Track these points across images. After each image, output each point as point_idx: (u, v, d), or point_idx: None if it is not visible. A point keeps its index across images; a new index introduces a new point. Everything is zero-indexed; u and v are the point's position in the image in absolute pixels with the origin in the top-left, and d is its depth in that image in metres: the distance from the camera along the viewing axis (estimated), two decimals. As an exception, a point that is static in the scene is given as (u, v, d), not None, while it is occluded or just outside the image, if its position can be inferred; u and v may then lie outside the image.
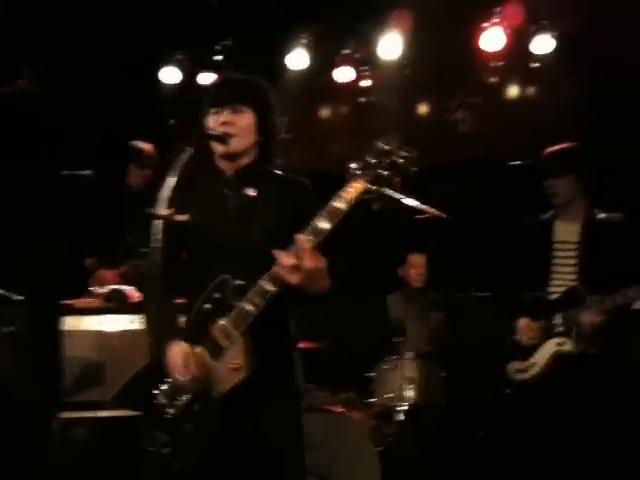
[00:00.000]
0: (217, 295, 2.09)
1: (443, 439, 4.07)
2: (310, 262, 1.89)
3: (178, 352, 2.07)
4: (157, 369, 2.10)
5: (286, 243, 1.94)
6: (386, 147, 1.86)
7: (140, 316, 3.61)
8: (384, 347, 4.26)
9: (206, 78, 5.19)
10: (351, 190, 1.88)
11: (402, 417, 3.95)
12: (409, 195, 3.70)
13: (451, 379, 4.21)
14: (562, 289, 3.13)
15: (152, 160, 4.33)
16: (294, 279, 1.91)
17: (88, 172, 4.21)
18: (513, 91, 5.62)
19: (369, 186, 1.86)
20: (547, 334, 3.12)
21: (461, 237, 4.65)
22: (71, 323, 3.55)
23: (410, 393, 4.04)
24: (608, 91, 4.84)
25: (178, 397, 2.07)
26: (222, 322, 2.04)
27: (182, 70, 5.28)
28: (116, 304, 3.64)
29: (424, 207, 3.67)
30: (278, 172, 2.25)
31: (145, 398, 2.10)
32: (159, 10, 4.60)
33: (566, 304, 3.08)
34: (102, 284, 3.84)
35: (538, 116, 5.22)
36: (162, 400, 2.09)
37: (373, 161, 1.87)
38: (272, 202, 2.07)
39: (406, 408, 3.98)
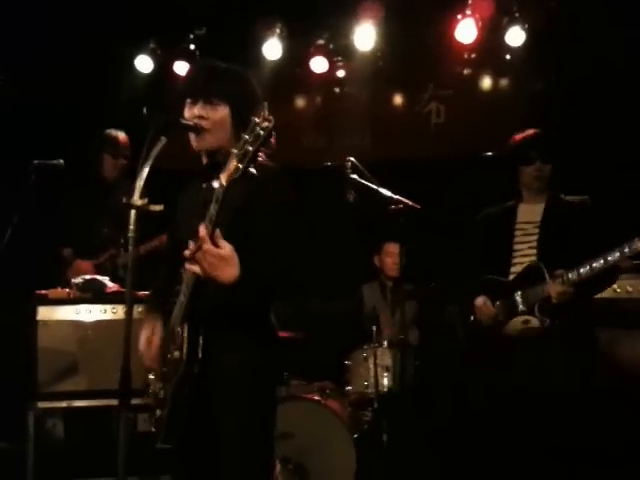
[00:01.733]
0: (179, 288, 2.12)
1: (417, 426, 4.12)
2: (206, 250, 1.89)
3: (145, 331, 2.18)
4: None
5: (245, 234, 2.01)
6: (255, 120, 1.86)
7: (114, 306, 3.60)
8: (359, 336, 4.29)
9: (180, 67, 5.17)
10: (225, 172, 1.91)
11: (377, 405, 3.99)
12: (383, 186, 3.74)
13: (425, 367, 4.26)
14: (529, 263, 3.10)
15: (126, 150, 4.29)
16: (197, 269, 1.93)
17: (60, 161, 4.16)
18: (486, 83, 5.67)
19: (237, 165, 1.87)
20: (509, 313, 3.10)
21: (435, 228, 4.70)
22: (46, 313, 3.53)
23: (385, 381, 4.08)
24: (575, 82, 4.92)
25: (157, 385, 2.15)
26: (174, 313, 2.11)
27: (154, 59, 5.25)
28: (91, 294, 3.62)
29: (397, 197, 3.71)
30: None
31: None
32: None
33: (525, 282, 3.05)
34: (79, 274, 3.82)
35: (510, 108, 5.29)
36: (146, 390, 2.22)
37: (246, 137, 1.87)
38: (234, 192, 1.98)
39: (381, 396, 4.00)
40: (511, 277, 3.14)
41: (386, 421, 3.92)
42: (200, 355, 2.04)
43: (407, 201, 3.70)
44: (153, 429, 2.15)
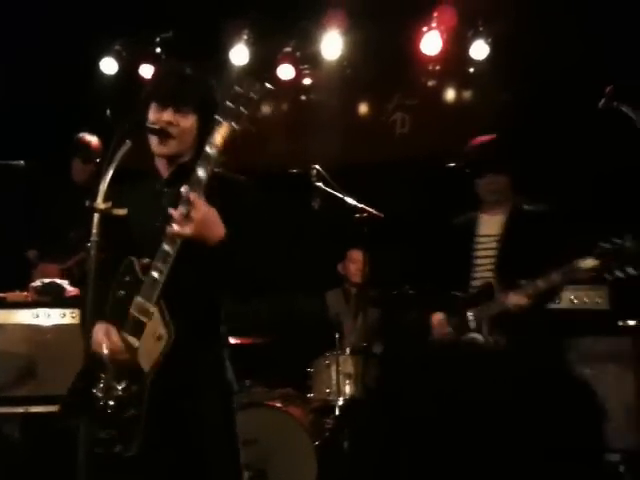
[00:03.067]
0: (127, 278, 2.12)
1: (378, 434, 4.14)
2: (199, 210, 1.97)
3: (99, 330, 2.07)
4: (92, 369, 2.07)
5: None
6: (240, 90, 2.03)
7: (73, 310, 3.55)
8: (322, 343, 4.30)
9: (146, 70, 5.14)
10: (218, 135, 2.02)
11: (339, 412, 4.00)
12: (348, 194, 3.77)
13: (387, 374, 4.28)
14: (481, 282, 3.12)
15: (98, 154, 4.23)
16: (187, 229, 1.97)
17: (20, 162, 4.10)
18: (450, 94, 5.75)
19: (233, 126, 2.02)
20: (461, 330, 3.11)
21: (398, 236, 4.74)
22: (3, 316, 3.46)
23: (347, 388, 4.09)
24: (538, 94, 5.02)
25: (116, 386, 2.06)
26: (137, 300, 2.07)
27: (119, 61, 5.20)
28: (50, 298, 3.57)
29: (362, 206, 3.74)
30: (217, 170, 2.23)
31: (87, 401, 2.07)
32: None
33: (478, 300, 3.07)
34: (44, 278, 3.76)
35: (474, 119, 5.37)
36: (100, 396, 2.07)
37: (232, 106, 2.02)
38: (207, 200, 2.05)
39: (343, 403, 4.02)
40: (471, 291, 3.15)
41: (348, 428, 3.94)
42: (180, 340, 2.02)
43: (371, 210, 3.73)
44: (108, 434, 2.05)
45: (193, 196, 1.97)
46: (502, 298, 2.98)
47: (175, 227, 1.98)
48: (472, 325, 3.08)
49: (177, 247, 2.01)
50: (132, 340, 2.07)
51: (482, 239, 3.18)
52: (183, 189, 1.99)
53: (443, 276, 3.25)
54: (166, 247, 2.02)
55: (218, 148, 2.01)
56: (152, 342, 2.04)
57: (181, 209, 1.98)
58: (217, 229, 2.02)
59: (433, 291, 3.33)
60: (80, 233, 4.02)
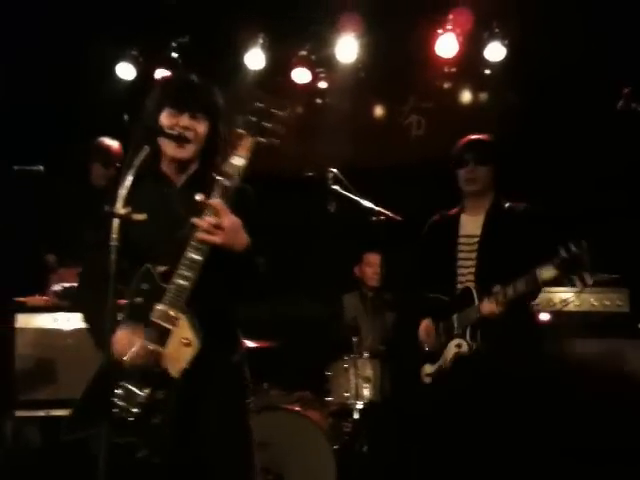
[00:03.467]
0: (145, 286, 2.12)
1: (397, 437, 4.12)
2: (228, 219, 2.04)
3: (122, 335, 2.07)
4: (108, 378, 2.05)
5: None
6: (261, 105, 2.10)
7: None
8: (340, 346, 4.29)
9: (162, 75, 5.15)
10: (244, 147, 2.08)
11: (358, 416, 3.99)
12: (364, 197, 3.77)
13: (402, 378, 4.27)
14: (463, 287, 3.08)
15: (118, 159, 4.24)
16: (217, 238, 2.02)
17: (39, 167, 4.13)
18: (465, 97, 5.74)
19: (258, 139, 2.09)
20: (449, 335, 3.08)
21: (414, 239, 4.73)
22: (24, 321, 3.49)
23: (365, 392, 4.08)
24: (554, 97, 5.00)
25: (138, 393, 2.05)
26: (159, 307, 2.07)
27: (136, 66, 5.23)
28: (70, 302, 3.59)
29: (378, 209, 3.73)
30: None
31: (102, 411, 2.01)
32: (117, 5, 4.55)
33: (461, 304, 3.04)
34: (62, 282, 3.79)
35: (489, 121, 5.34)
36: (121, 404, 2.05)
37: (254, 119, 2.09)
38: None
39: (362, 407, 4.01)
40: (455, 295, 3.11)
41: (366, 432, 3.93)
42: (208, 341, 2.04)
43: (388, 212, 3.73)
44: (128, 441, 2.03)
45: (221, 205, 2.03)
46: (479, 305, 2.96)
47: (205, 235, 2.03)
48: (457, 330, 3.05)
49: (205, 255, 2.04)
50: (155, 347, 2.06)
51: (464, 239, 3.15)
52: (210, 199, 2.04)
53: (430, 279, 3.22)
54: (192, 255, 2.04)
55: (245, 160, 2.07)
56: (180, 348, 2.04)
57: (209, 218, 2.02)
58: (242, 237, 2.09)
59: (416, 299, 3.31)
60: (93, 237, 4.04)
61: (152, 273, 2.12)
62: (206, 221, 2.02)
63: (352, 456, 3.90)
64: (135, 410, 2.04)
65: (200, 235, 2.03)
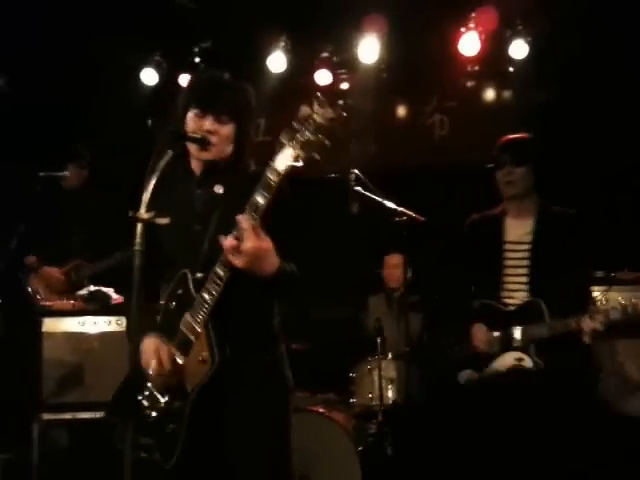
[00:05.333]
0: (180, 291, 2.11)
1: (422, 439, 4.10)
2: (251, 242, 1.87)
3: (149, 345, 2.08)
4: (138, 375, 2.08)
5: None
6: (308, 110, 1.83)
7: (119, 318, 3.60)
8: (364, 347, 4.29)
9: (186, 80, 5.20)
10: (282, 161, 1.86)
11: (382, 417, 3.97)
12: (387, 197, 3.75)
13: (429, 379, 4.24)
14: (514, 295, 2.98)
15: (88, 160, 4.38)
16: (239, 262, 1.90)
17: (66, 173, 4.19)
18: (489, 95, 5.69)
19: (297, 152, 1.83)
20: (505, 346, 2.97)
21: (438, 240, 4.70)
22: (51, 325, 3.54)
23: (390, 393, 4.07)
24: (579, 95, 4.94)
25: (159, 398, 2.08)
26: (186, 316, 2.06)
27: (159, 72, 5.28)
28: (96, 305, 3.63)
29: (401, 209, 3.71)
30: (251, 167, 2.22)
31: (131, 406, 2.07)
32: (140, 11, 4.59)
33: (523, 317, 2.92)
34: (49, 281, 3.84)
35: (513, 120, 5.29)
36: (145, 404, 2.09)
37: (297, 126, 1.84)
38: (239, 198, 1.99)
39: (386, 408, 3.99)
40: (503, 300, 3.01)
41: (391, 434, 3.92)
42: (229, 357, 2.01)
43: (411, 213, 3.70)
44: (148, 441, 2.07)
45: (247, 224, 1.87)
46: (553, 322, 2.84)
47: (228, 255, 1.92)
48: (517, 343, 2.94)
49: (229, 272, 1.96)
50: (179, 356, 2.08)
51: (512, 246, 3.03)
52: (239, 216, 1.88)
53: (469, 283, 3.15)
54: (219, 270, 1.98)
55: (280, 176, 1.87)
56: (197, 364, 2.03)
57: (231, 240, 1.90)
58: (269, 262, 1.95)
59: (461, 299, 3.19)
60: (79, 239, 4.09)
61: (187, 279, 2.09)
62: (228, 242, 1.90)
63: (376, 458, 3.88)
64: (155, 414, 2.08)
65: (222, 259, 1.95)
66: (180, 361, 2.07)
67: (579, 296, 2.94)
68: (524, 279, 2.97)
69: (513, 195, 3.06)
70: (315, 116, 1.82)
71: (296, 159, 1.83)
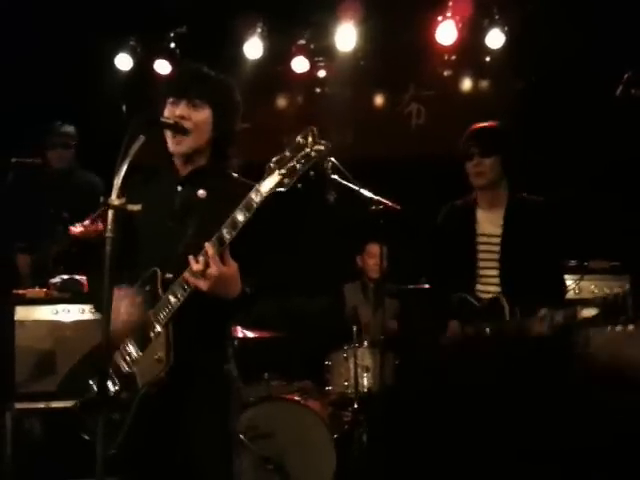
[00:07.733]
0: (148, 288, 2.12)
1: (397, 426, 4.13)
2: (215, 269, 1.93)
3: (119, 294, 2.07)
4: (96, 358, 2.11)
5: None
6: (302, 141, 1.90)
7: (92, 306, 3.57)
8: (340, 336, 4.30)
9: (160, 65, 5.14)
10: (266, 183, 1.93)
11: (357, 405, 3.99)
12: (363, 186, 3.74)
13: (404, 367, 4.27)
14: (489, 288, 2.97)
15: (75, 141, 4.34)
16: (202, 285, 1.96)
17: (38, 159, 4.13)
18: (466, 84, 5.71)
19: (283, 179, 1.90)
20: None
21: (414, 229, 4.72)
22: (23, 313, 3.50)
23: (365, 381, 4.09)
24: (554, 83, 4.97)
25: (109, 387, 2.09)
26: (149, 314, 2.09)
27: (134, 57, 5.21)
28: (69, 294, 3.59)
29: (378, 198, 3.71)
30: (234, 175, 2.26)
31: (81, 387, 2.14)
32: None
33: (489, 314, 2.91)
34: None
35: (490, 109, 5.32)
36: (94, 388, 2.12)
37: (289, 155, 1.91)
38: (219, 204, 2.05)
39: (361, 396, 4.01)
40: (478, 294, 2.99)
41: (366, 421, 3.94)
42: (183, 358, 2.05)
43: (388, 202, 3.70)
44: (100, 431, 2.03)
45: (212, 251, 1.93)
46: (522, 323, 2.81)
47: (190, 277, 1.97)
48: None
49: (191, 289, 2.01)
50: (136, 350, 2.11)
51: (483, 239, 3.03)
52: (206, 243, 1.94)
53: (446, 276, 3.12)
54: (187, 275, 2.00)
55: (263, 198, 1.93)
56: (151, 361, 2.07)
57: (198, 264, 1.95)
58: (232, 288, 2.01)
59: (440, 292, 3.16)
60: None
61: (157, 278, 2.11)
62: (195, 266, 1.95)
63: (352, 445, 3.91)
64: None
65: (187, 275, 1.98)
66: (135, 355, 2.10)
67: (552, 286, 2.95)
68: (495, 272, 2.97)
69: (482, 186, 3.05)
70: (308, 150, 1.89)
71: (281, 185, 1.91)
